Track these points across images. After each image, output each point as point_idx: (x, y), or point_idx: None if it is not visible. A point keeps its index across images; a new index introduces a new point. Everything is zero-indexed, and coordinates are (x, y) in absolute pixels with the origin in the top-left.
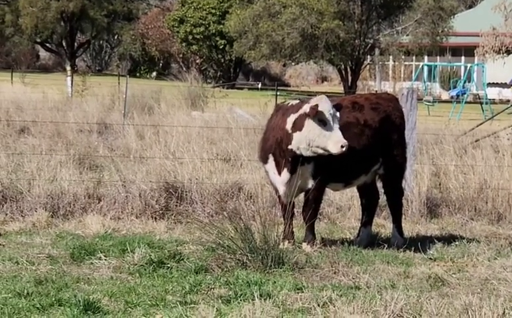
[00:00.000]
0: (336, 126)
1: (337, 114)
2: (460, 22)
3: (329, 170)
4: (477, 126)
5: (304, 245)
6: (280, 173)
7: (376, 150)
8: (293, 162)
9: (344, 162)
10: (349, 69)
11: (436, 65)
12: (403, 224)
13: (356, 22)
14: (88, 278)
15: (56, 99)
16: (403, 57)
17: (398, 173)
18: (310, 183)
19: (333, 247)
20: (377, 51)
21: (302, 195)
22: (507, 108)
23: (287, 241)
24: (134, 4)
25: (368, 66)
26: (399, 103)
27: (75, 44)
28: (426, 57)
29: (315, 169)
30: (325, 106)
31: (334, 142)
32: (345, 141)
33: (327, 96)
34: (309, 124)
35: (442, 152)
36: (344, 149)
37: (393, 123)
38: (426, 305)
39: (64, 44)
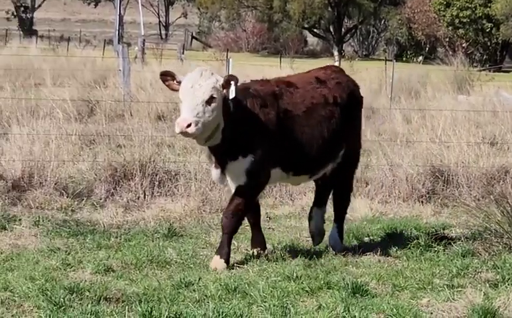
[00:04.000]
0: (188, 105)
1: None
2: None
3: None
4: None
5: None
6: None
7: (342, 132)
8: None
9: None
10: None
11: None
12: None
13: None
14: (356, 261)
15: None
16: None
17: (355, 163)
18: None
19: None
20: None
21: None
22: None
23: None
24: None
25: None
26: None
27: (343, 29)
28: None
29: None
30: (184, 82)
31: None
32: (182, 124)
33: None
34: None
35: None
36: (177, 130)
37: (356, 99)
38: None
39: (331, 29)
